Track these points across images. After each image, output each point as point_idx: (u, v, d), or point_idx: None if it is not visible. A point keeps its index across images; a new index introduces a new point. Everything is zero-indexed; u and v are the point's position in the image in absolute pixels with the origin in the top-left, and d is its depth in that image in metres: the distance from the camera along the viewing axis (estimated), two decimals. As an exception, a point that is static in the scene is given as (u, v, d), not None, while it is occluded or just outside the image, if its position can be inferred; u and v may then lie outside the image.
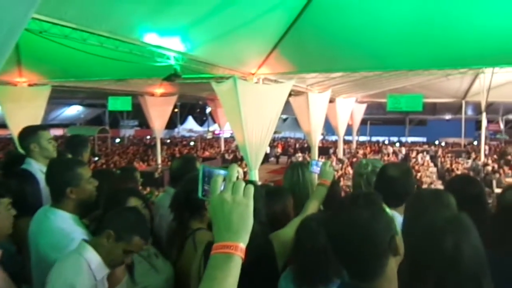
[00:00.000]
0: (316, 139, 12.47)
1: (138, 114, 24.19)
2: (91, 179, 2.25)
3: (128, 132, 36.47)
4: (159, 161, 17.17)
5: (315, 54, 7.17)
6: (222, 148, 25.54)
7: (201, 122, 41.71)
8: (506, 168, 16.48)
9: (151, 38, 5.18)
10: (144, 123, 27.89)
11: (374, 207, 1.24)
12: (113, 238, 1.84)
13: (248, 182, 1.07)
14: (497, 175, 14.60)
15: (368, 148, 24.74)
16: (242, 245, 0.98)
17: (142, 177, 3.93)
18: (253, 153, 7.24)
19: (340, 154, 18.69)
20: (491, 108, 22.82)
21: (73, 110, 34.67)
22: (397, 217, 1.73)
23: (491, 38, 6.26)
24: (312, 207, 2.25)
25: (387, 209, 1.26)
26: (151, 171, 15.39)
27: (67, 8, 3.98)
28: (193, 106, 38.13)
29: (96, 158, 17.34)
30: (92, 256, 1.80)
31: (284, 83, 8.22)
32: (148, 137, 32.03)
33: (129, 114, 33.55)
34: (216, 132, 30.00)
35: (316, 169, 2.55)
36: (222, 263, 0.95)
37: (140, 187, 3.97)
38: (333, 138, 27.62)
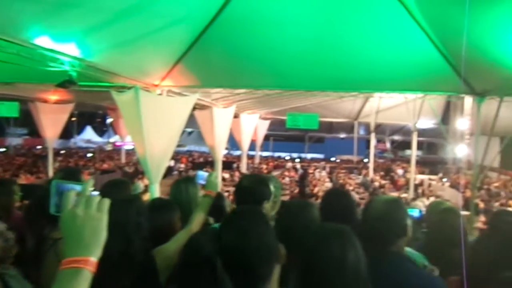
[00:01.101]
0: (220, 154, 12.53)
1: (28, 121, 22.02)
2: None
3: (15, 141, 33.04)
4: (51, 173, 15.79)
5: (219, 69, 7.27)
6: (123, 160, 24.38)
7: (101, 133, 39.46)
8: (391, 184, 18.26)
9: (43, 41, 4.79)
10: (34, 132, 25.47)
11: (261, 218, 1.32)
12: None
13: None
14: (383, 190, 16.08)
15: (271, 163, 25.56)
16: (93, 259, 0.98)
17: (26, 191, 3.58)
18: (154, 166, 7.02)
19: (244, 169, 19.02)
20: (379, 129, 25.19)
21: None
22: None
23: (378, 66, 6.94)
24: (198, 219, 2.25)
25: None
26: (39, 184, 14.08)
27: None
28: (92, 116, 35.99)
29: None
30: None
31: (188, 96, 8.16)
32: (39, 147, 29.36)
33: (17, 121, 30.43)
34: (117, 143, 28.58)
35: (201, 181, 2.58)
36: (71, 278, 0.94)
37: (19, 202, 3.59)
38: (237, 152, 28.09)
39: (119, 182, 2.90)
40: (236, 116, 14.58)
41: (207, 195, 2.42)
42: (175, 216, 2.37)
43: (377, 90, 9.15)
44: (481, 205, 11.60)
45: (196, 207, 2.42)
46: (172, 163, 21.24)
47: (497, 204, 13.16)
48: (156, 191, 7.12)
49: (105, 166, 22.47)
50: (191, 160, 27.36)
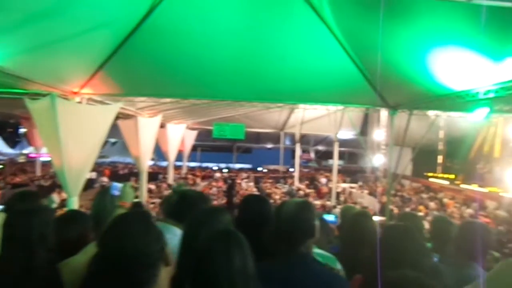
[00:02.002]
0: (145, 164, 12.15)
1: None
2: None
3: None
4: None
5: (144, 77, 7.09)
6: (38, 173, 22.65)
7: (13, 144, 36.34)
8: (315, 193, 18.96)
9: None
10: None
11: (143, 222, 1.33)
12: None
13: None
14: (308, 198, 16.59)
15: (198, 174, 25.29)
16: None
17: None
18: (72, 179, 6.60)
19: (171, 180, 18.61)
20: (304, 139, 26.12)
21: None
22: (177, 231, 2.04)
23: (301, 79, 7.21)
24: None
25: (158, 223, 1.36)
26: None
27: None
28: (3, 125, 33.09)
29: None
30: None
31: (111, 105, 7.84)
32: None
33: None
34: (32, 155, 26.51)
35: (116, 192, 2.51)
36: None
37: None
38: (164, 163, 27.46)
39: (27, 194, 2.68)
40: (162, 126, 14.27)
41: (121, 206, 2.36)
42: (86, 227, 2.26)
43: (301, 102, 9.49)
44: (395, 210, 12.44)
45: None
46: (93, 175, 20.14)
47: (408, 209, 14.22)
48: (74, 205, 6.70)
49: (17, 179, 20.70)
50: (114, 171, 26.18)
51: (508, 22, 3.71)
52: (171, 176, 18.84)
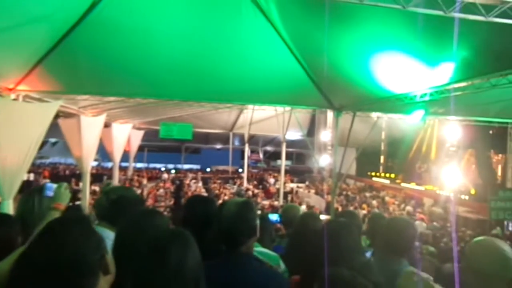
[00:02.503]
0: (88, 165, 11.63)
1: None
2: None
3: None
4: None
5: (86, 75, 6.77)
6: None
7: None
8: (263, 193, 19.16)
9: None
10: None
11: (82, 227, 1.24)
12: None
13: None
14: (256, 198, 16.75)
15: (145, 175, 24.70)
16: None
17: None
18: (6, 181, 6.17)
19: (116, 181, 18.00)
20: (253, 140, 26.30)
21: None
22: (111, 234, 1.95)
23: (249, 79, 7.24)
24: None
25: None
26: None
27: None
28: None
29: None
30: None
31: (50, 102, 7.44)
32: None
33: None
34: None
35: (49, 193, 2.37)
36: None
37: None
38: (109, 164, 26.51)
39: None
40: (107, 125, 13.77)
41: (56, 209, 2.23)
42: (13, 232, 2.12)
43: (249, 102, 9.55)
44: (340, 209, 12.86)
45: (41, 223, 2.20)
46: (31, 176, 19.06)
47: (352, 207, 14.75)
48: (9, 208, 6.27)
49: None
50: (55, 172, 24.91)
51: (441, 30, 3.95)
52: (116, 177, 18.22)
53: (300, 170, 30.10)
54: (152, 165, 32.54)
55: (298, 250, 2.56)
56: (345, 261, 1.69)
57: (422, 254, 6.31)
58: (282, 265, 2.27)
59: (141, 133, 20.91)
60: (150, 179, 23.54)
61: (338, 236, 1.94)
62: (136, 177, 22.05)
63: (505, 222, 12.86)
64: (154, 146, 30.35)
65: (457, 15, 3.46)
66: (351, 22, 5.00)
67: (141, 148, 24.52)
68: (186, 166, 33.70)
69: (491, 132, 16.49)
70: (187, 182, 21.54)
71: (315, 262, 1.80)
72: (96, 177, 18.91)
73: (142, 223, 1.83)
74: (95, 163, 25.17)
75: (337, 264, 1.62)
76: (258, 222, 1.92)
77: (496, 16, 3.49)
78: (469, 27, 3.71)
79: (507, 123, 12.96)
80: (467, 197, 15.80)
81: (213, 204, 2.47)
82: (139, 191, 17.94)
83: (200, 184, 21.54)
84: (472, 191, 15.92)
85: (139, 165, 29.82)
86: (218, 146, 31.04)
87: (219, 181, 22.87)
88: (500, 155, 17.34)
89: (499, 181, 17.05)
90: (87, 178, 11.79)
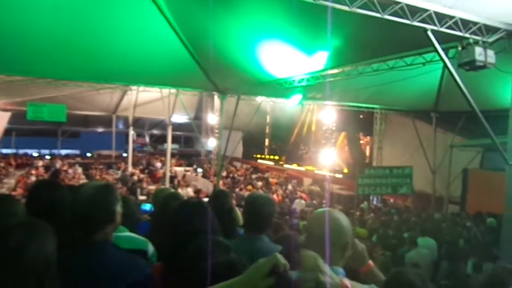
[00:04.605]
0: None
1: None
2: None
3: None
4: None
5: None
6: None
7: None
8: (149, 178, 18.64)
9: None
10: None
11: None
12: None
13: None
14: (142, 184, 16.26)
15: (13, 162, 22.14)
16: None
17: None
18: None
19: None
20: (138, 123, 25.28)
21: None
22: None
23: (132, 59, 6.95)
24: None
25: None
26: None
27: None
28: None
29: None
30: None
31: None
32: None
33: None
34: None
35: None
36: None
37: None
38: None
39: None
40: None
41: None
42: None
43: (132, 83, 9.14)
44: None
45: None
46: None
47: (237, 189, 15.20)
48: None
49: None
50: None
51: (317, 20, 4.22)
52: (-23, 165, 16.06)
53: (188, 154, 29.90)
54: (22, 151, 29.22)
55: (160, 230, 2.47)
56: (203, 242, 1.68)
57: (298, 230, 6.80)
58: (151, 249, 2.21)
59: (7, 115, 18.58)
60: (19, 166, 21.20)
61: (193, 216, 1.92)
62: (2, 164, 19.69)
63: (371, 197, 14.48)
64: (24, 130, 27.22)
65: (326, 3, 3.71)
66: (237, 9, 5.08)
67: (8, 132, 21.92)
68: (64, 152, 31.04)
69: (361, 116, 18.27)
70: (64, 168, 19.90)
71: (175, 240, 1.80)
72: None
73: None
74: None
75: (189, 244, 1.65)
76: (119, 207, 1.80)
77: (359, 8, 3.83)
78: (341, 18, 4.03)
79: (373, 108, 14.45)
80: (341, 176, 17.43)
81: (60, 190, 2.26)
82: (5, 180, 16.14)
83: (80, 170, 20.09)
84: (345, 170, 17.62)
85: (6, 151, 26.56)
86: (100, 130, 29.14)
87: (101, 167, 21.57)
88: (368, 137, 19.39)
89: (367, 160, 19.09)
90: None
